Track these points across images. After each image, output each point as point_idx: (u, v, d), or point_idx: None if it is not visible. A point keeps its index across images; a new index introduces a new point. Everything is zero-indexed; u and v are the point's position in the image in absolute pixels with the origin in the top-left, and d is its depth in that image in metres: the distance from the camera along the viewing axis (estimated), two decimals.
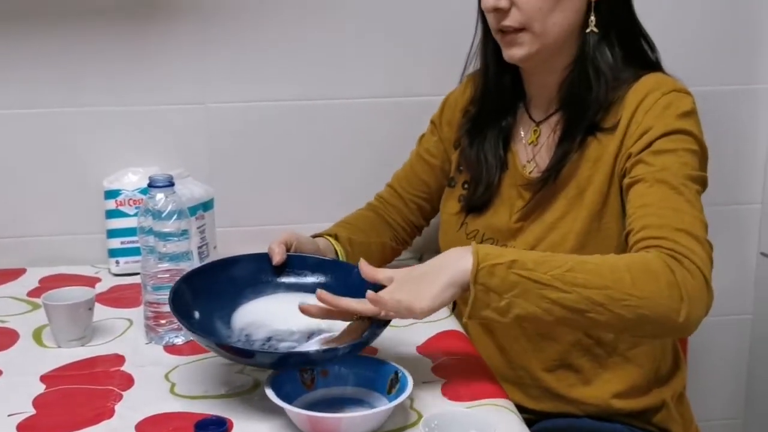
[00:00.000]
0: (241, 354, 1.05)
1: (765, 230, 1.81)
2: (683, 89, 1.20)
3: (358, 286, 1.08)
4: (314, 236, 1.35)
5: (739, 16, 1.71)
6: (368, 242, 1.41)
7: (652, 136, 1.15)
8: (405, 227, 1.48)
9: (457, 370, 1.12)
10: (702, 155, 1.18)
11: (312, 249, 1.27)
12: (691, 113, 1.18)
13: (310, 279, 1.20)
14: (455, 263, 1.03)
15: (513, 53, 1.23)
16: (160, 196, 1.20)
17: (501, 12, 1.20)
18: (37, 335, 1.26)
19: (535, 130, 1.31)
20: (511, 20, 1.20)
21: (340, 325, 1.11)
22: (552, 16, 1.19)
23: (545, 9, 1.18)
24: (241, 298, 1.18)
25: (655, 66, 1.27)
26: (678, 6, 1.68)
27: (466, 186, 1.36)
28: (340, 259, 1.31)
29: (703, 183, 1.17)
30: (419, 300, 1.03)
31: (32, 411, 1.03)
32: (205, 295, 1.14)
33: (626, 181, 1.17)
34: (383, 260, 1.45)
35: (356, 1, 1.61)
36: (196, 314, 1.12)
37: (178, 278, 1.17)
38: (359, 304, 1.05)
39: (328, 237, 1.35)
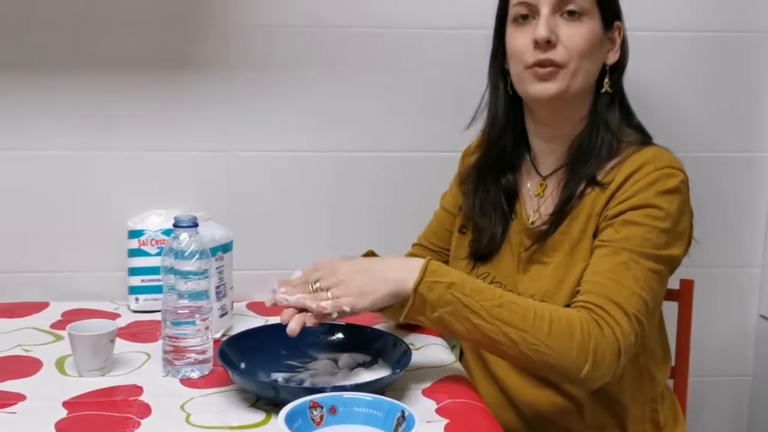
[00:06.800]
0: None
1: (765, 293, 1.85)
2: (677, 166, 1.26)
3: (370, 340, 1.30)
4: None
5: (742, 86, 1.77)
6: None
7: (627, 205, 1.23)
8: None
9: (459, 411, 1.16)
10: (673, 233, 1.23)
11: None
12: (674, 191, 1.24)
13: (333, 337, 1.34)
14: (404, 278, 1.17)
15: (546, 88, 1.29)
16: (184, 235, 1.26)
17: (548, 45, 1.27)
18: (59, 364, 1.31)
19: (541, 184, 1.38)
20: (555, 55, 1.28)
21: None
22: (585, 62, 1.28)
23: (584, 52, 1.28)
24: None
25: (649, 137, 1.34)
26: (683, 75, 1.75)
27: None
28: None
29: (664, 261, 1.23)
30: (361, 299, 1.17)
31: None
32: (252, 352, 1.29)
33: (596, 241, 1.25)
34: None
35: (378, 59, 1.69)
36: (242, 365, 1.26)
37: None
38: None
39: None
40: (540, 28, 1.27)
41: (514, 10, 1.32)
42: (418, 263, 1.18)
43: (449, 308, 1.16)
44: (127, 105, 1.67)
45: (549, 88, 1.29)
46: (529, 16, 1.30)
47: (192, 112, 1.68)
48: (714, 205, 1.80)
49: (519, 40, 1.31)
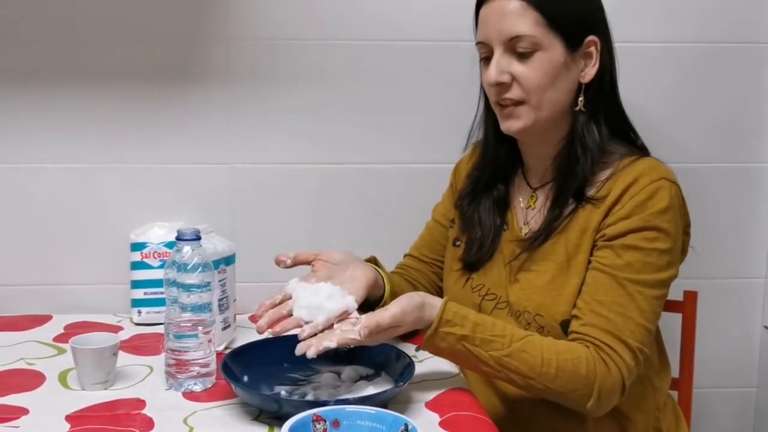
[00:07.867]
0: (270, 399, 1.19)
1: None
2: (671, 178, 1.27)
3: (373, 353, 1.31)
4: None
5: (745, 97, 1.77)
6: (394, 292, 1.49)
7: (627, 226, 1.24)
8: (429, 288, 1.55)
9: (463, 425, 1.16)
10: (673, 250, 1.26)
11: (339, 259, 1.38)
12: (668, 209, 1.25)
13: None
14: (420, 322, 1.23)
15: (511, 125, 1.31)
16: (186, 248, 1.26)
17: (503, 86, 1.29)
18: (62, 378, 1.31)
19: (532, 196, 1.40)
20: (512, 94, 1.29)
21: None
22: (548, 93, 1.28)
23: (543, 86, 1.27)
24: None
25: (643, 149, 1.35)
26: (685, 87, 1.75)
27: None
28: (382, 275, 1.43)
29: (666, 283, 1.27)
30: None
31: None
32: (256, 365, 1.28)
33: (593, 259, 1.26)
34: None
35: (376, 72, 1.70)
36: (245, 378, 1.26)
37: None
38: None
39: (374, 266, 1.44)
40: (490, 71, 1.29)
41: (478, 49, 1.34)
42: (436, 307, 1.21)
43: (460, 356, 1.23)
44: (130, 118, 1.67)
45: (513, 125, 1.31)
46: (489, 56, 1.31)
47: (194, 125, 1.68)
48: (717, 216, 1.80)
49: (483, 78, 1.34)
